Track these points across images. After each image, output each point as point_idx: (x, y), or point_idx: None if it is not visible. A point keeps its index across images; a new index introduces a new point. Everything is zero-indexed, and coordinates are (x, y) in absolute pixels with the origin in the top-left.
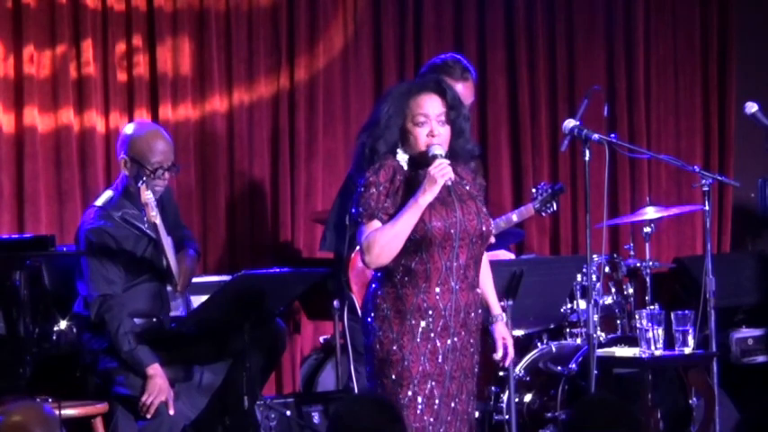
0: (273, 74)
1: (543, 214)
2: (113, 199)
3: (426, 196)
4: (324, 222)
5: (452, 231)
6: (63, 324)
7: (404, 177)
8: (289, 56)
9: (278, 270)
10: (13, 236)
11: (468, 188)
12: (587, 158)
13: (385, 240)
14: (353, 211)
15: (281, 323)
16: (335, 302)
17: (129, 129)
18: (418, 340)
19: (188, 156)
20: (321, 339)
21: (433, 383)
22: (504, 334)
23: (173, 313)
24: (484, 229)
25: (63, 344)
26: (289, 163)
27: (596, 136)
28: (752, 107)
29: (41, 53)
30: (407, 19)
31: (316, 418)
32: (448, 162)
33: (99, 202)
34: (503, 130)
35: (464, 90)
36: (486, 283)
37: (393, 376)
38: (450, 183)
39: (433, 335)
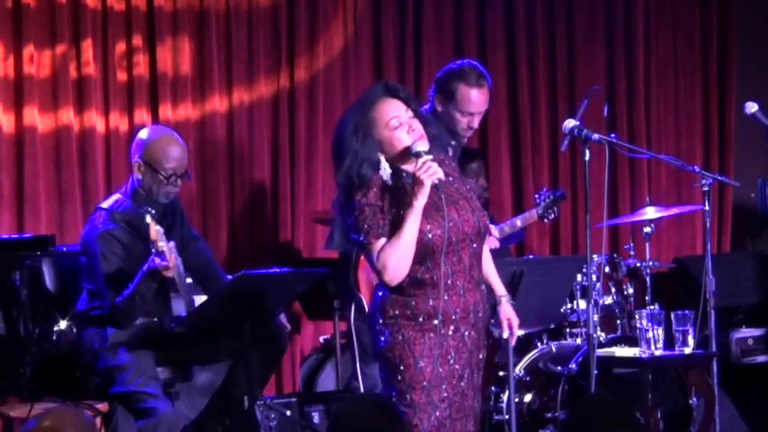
0: (273, 74)
1: (545, 220)
2: (121, 203)
3: (420, 199)
4: (325, 222)
5: (452, 236)
6: (63, 324)
7: (390, 192)
8: (289, 56)
9: (278, 270)
10: (13, 236)
11: (456, 186)
12: (587, 158)
13: (397, 253)
14: (355, 237)
15: (281, 323)
16: (336, 302)
17: (144, 133)
18: (430, 344)
19: (188, 156)
20: (321, 339)
21: (446, 385)
22: (509, 314)
23: (174, 313)
24: (481, 226)
25: (63, 344)
26: (289, 163)
27: (596, 136)
28: (752, 107)
29: (41, 53)
30: (407, 19)
31: (316, 418)
32: (431, 157)
33: (106, 204)
34: (503, 130)
35: (479, 96)
36: (488, 267)
37: (406, 380)
38: (437, 181)
39: (444, 338)
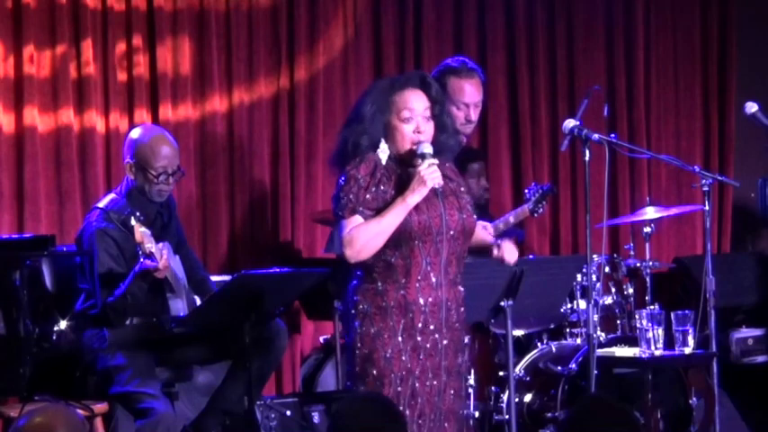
0: (273, 74)
1: (535, 215)
2: (116, 202)
3: (414, 197)
4: (324, 222)
5: (433, 226)
6: (63, 324)
7: (385, 171)
8: (289, 56)
9: (278, 270)
10: (13, 236)
11: (451, 185)
12: (587, 158)
13: (368, 236)
14: (334, 204)
15: (281, 323)
16: (336, 302)
17: (134, 133)
18: (399, 338)
19: (188, 156)
20: (321, 339)
21: (416, 381)
22: (505, 242)
23: (173, 314)
24: (466, 225)
25: (63, 344)
26: (289, 163)
27: (596, 136)
28: (752, 107)
29: (41, 53)
30: (407, 19)
31: (316, 418)
32: (437, 162)
33: (102, 203)
34: (503, 130)
35: (471, 86)
36: (479, 232)
37: (375, 372)
38: (438, 186)
39: (414, 331)
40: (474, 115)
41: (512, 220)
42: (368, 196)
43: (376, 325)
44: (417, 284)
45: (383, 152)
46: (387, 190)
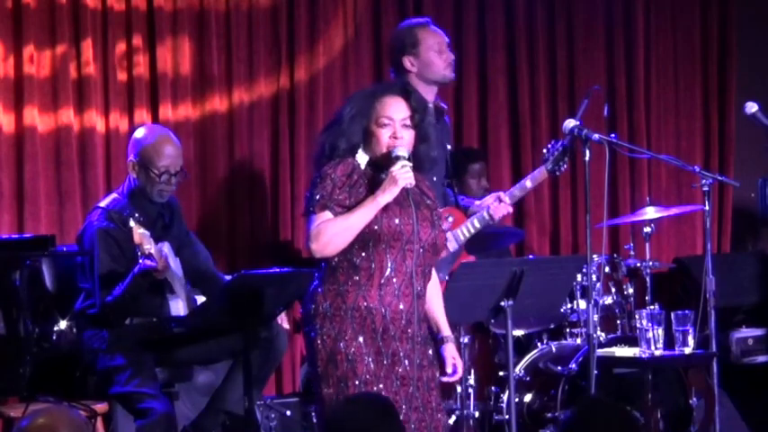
0: (273, 74)
1: (557, 173)
2: (118, 202)
3: (385, 196)
4: None
5: (403, 232)
6: (63, 324)
7: (362, 175)
8: (289, 56)
9: (278, 270)
10: (13, 236)
11: (426, 201)
12: (587, 158)
13: (335, 231)
14: (306, 200)
15: (281, 323)
16: None
17: (139, 132)
18: (360, 339)
19: (188, 156)
20: None
21: (381, 385)
22: (453, 354)
23: (173, 314)
24: (437, 240)
25: (63, 344)
26: (289, 163)
27: (596, 136)
28: (752, 107)
29: (41, 53)
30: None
31: (316, 418)
32: (410, 165)
33: (103, 203)
34: (503, 130)
35: (439, 30)
36: (436, 305)
37: (338, 374)
38: (409, 186)
39: (375, 335)
40: (451, 54)
41: (528, 185)
42: (341, 195)
43: (336, 326)
44: (379, 289)
45: (362, 158)
46: (362, 192)
